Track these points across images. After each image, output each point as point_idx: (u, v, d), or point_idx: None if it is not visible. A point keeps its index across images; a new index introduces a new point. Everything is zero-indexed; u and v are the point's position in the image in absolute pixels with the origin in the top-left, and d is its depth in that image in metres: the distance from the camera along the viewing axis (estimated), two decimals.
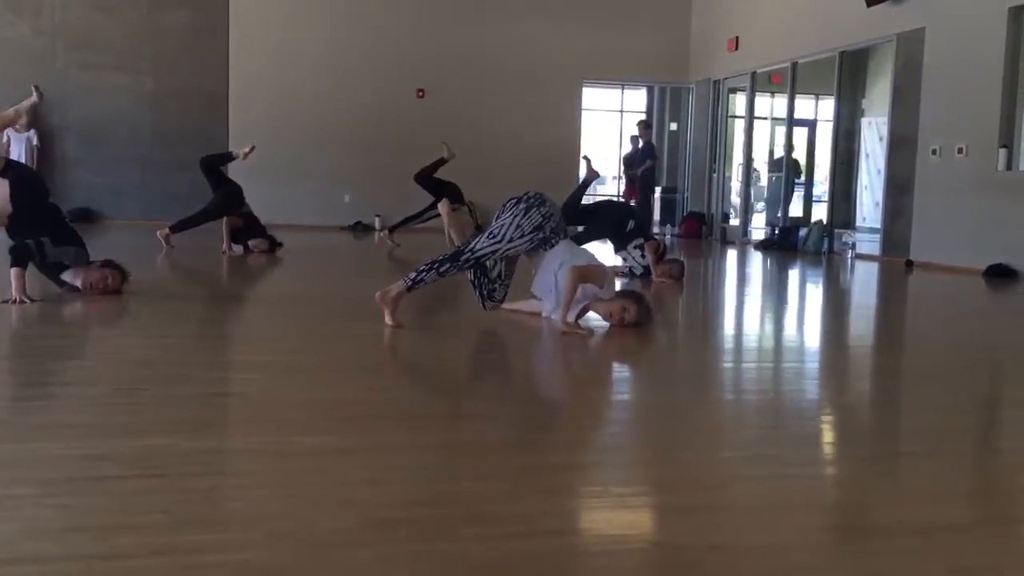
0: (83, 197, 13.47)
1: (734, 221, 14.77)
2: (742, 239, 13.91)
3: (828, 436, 3.13)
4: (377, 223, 14.05)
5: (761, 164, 14.51)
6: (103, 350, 4.23)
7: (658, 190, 15.74)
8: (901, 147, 10.53)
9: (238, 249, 9.03)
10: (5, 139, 12.49)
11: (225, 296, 6.79)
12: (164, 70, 13.78)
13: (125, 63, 13.58)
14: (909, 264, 10.15)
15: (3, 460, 2.45)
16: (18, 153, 12.65)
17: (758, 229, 14.70)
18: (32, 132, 12.98)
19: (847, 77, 12.25)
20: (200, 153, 14.10)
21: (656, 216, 15.64)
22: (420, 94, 14.39)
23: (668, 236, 14.50)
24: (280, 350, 4.27)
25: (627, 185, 15.54)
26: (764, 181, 14.63)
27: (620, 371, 4.26)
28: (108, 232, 11.86)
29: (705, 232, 14.80)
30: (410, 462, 2.53)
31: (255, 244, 9.09)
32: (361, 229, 14.01)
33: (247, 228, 9.15)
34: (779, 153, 13.89)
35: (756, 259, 11.25)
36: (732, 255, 11.85)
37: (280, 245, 9.27)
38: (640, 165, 14.77)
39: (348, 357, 4.11)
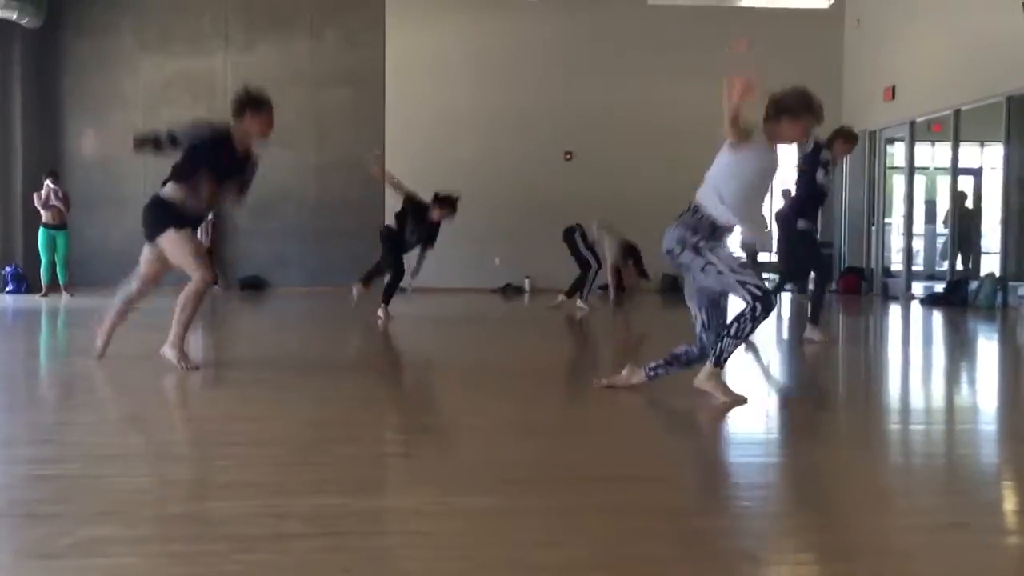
0: (252, 266, 14.26)
1: (896, 268, 14.17)
2: (906, 294, 13.33)
3: (1014, 503, 2.95)
4: (527, 285, 14.24)
5: (920, 215, 13.91)
6: (274, 412, 4.44)
7: None
8: None
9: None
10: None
11: (386, 359, 7.02)
12: (326, 144, 14.53)
13: (291, 139, 14.40)
14: None
15: (197, 517, 2.62)
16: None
17: (924, 283, 14.06)
18: None
19: (1016, 122, 11.67)
20: (357, 221, 14.69)
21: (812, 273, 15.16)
22: (568, 156, 14.61)
23: (826, 293, 14.04)
24: (439, 414, 4.38)
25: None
26: (924, 231, 14.02)
27: (781, 432, 4.15)
28: (276, 299, 12.51)
29: (865, 288, 14.27)
30: (579, 524, 2.54)
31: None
32: (512, 291, 14.22)
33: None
34: (942, 204, 13.30)
35: (923, 315, 10.74)
36: (896, 311, 11.37)
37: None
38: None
39: (515, 418, 4.17)
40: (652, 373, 4.57)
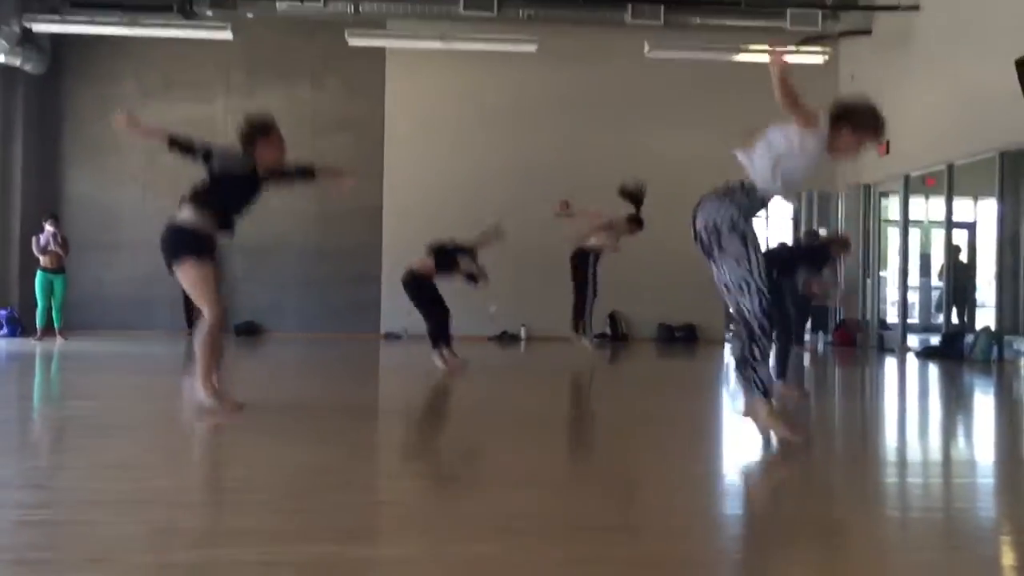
0: (248, 311, 14.25)
1: (892, 321, 14.19)
2: (902, 346, 13.33)
3: (1012, 558, 2.93)
4: (523, 332, 14.23)
5: (915, 268, 13.97)
6: (268, 457, 4.41)
7: None
8: None
9: None
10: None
11: (383, 407, 6.99)
12: (324, 192, 14.58)
13: (291, 186, 14.49)
14: None
15: (187, 564, 2.59)
16: None
17: (919, 335, 14.07)
18: None
19: (1009, 178, 11.78)
20: (355, 267, 14.75)
21: (807, 324, 15.19)
22: (564, 207, 14.68)
23: (821, 345, 14.06)
24: (437, 462, 4.35)
25: None
26: (919, 284, 14.05)
27: (778, 485, 4.12)
28: (272, 345, 12.48)
29: (861, 340, 14.28)
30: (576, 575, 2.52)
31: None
32: (508, 339, 14.21)
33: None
34: (937, 257, 13.36)
35: (919, 368, 10.74)
36: (891, 364, 11.36)
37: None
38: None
39: (514, 467, 4.14)
40: (759, 390, 4.32)
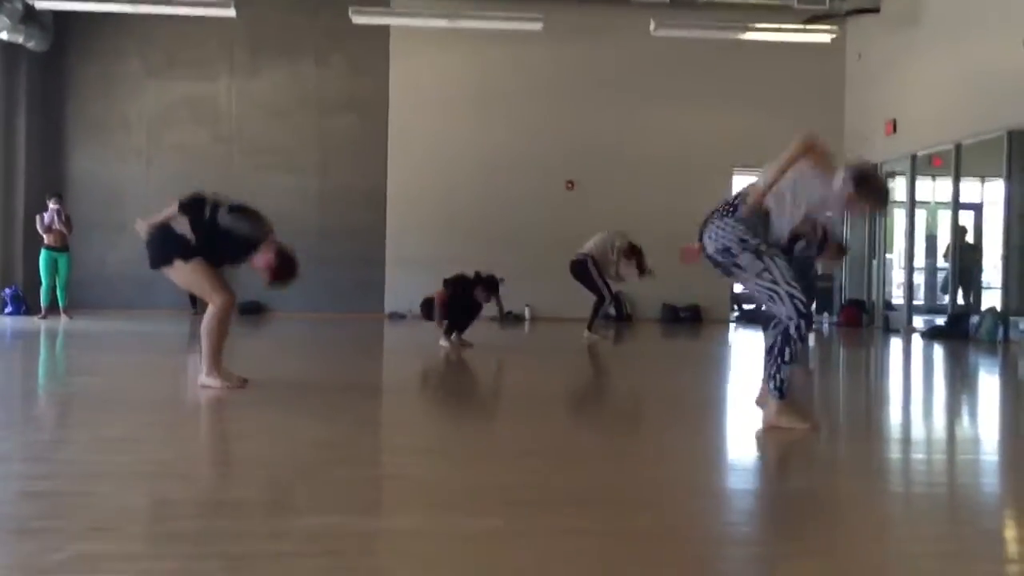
0: (253, 292, 14.21)
1: (898, 302, 14.16)
2: (907, 327, 13.31)
3: (1015, 532, 2.91)
4: (527, 312, 14.22)
5: (920, 249, 13.92)
6: (274, 432, 4.40)
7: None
8: None
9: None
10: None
11: (390, 383, 6.99)
12: (329, 171, 14.57)
13: (294, 165, 14.45)
14: None
15: (192, 534, 2.58)
16: None
17: (925, 317, 14.04)
18: None
19: (1017, 157, 11.71)
20: (359, 248, 14.74)
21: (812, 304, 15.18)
22: (569, 186, 14.65)
23: (825, 325, 14.04)
24: (443, 436, 4.35)
25: None
26: (925, 265, 14.01)
27: (780, 460, 4.11)
28: (276, 324, 12.49)
29: (866, 321, 14.25)
30: (578, 548, 2.51)
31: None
32: (512, 319, 14.20)
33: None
34: (943, 238, 13.30)
35: (924, 348, 10.72)
36: (897, 344, 11.34)
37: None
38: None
39: (518, 442, 4.14)
40: (776, 389, 4.28)
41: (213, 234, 5.24)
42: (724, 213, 4.30)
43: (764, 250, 4.24)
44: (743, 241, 4.23)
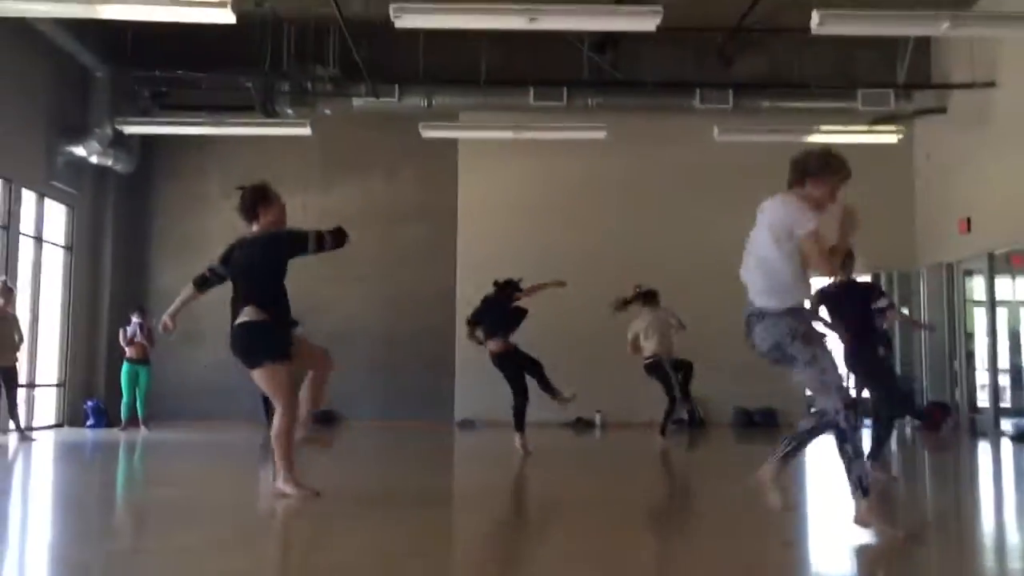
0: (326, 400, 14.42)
1: (983, 404, 13.65)
2: (995, 430, 12.79)
3: None
4: (598, 419, 14.07)
5: (1004, 349, 13.45)
6: (344, 541, 4.37)
7: None
8: None
9: None
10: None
11: (463, 492, 6.93)
12: (399, 278, 14.84)
13: (364, 274, 14.76)
14: None
15: None
16: None
17: (1012, 419, 13.48)
18: None
19: None
20: (430, 354, 14.82)
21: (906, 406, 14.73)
22: (637, 289, 14.64)
23: (909, 428, 13.58)
24: (524, 545, 4.26)
25: None
26: (1009, 366, 13.49)
27: (872, 570, 3.93)
28: (349, 433, 12.56)
29: (950, 424, 13.74)
30: None
31: None
32: (583, 425, 14.05)
33: None
34: None
35: (1016, 452, 10.25)
36: (985, 448, 10.88)
37: None
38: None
39: (592, 554, 4.03)
40: (859, 488, 4.19)
41: (246, 276, 5.50)
42: (761, 312, 4.27)
43: (813, 337, 4.22)
44: (792, 331, 4.20)
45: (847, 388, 4.20)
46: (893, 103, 13.36)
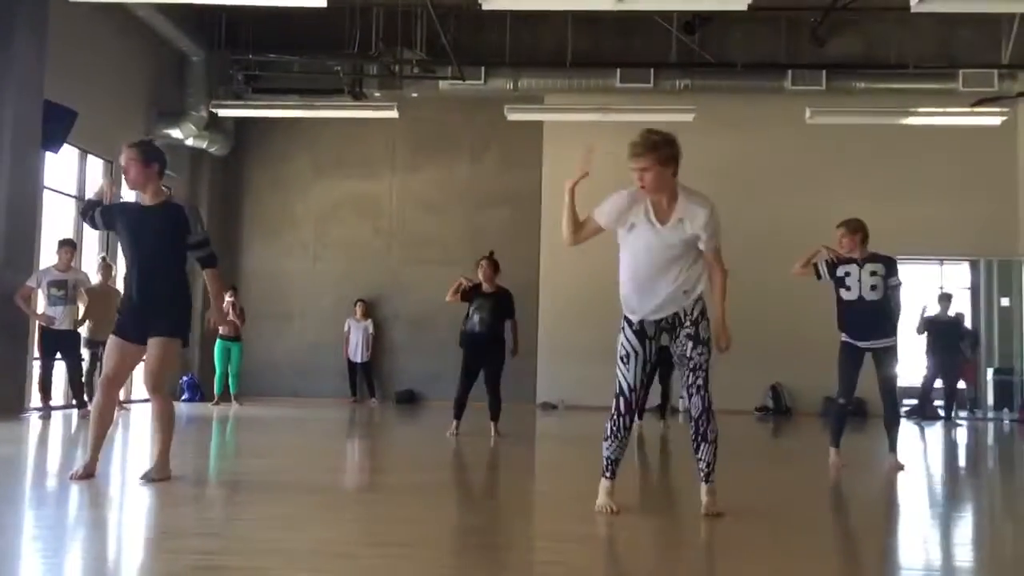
0: (408, 380, 14.61)
1: None
2: None
3: None
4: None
5: None
6: (425, 515, 4.42)
7: (990, 371, 14.37)
8: None
9: None
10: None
11: (542, 468, 6.95)
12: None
13: (449, 257, 14.87)
14: None
15: None
16: (356, 340, 14.10)
17: None
18: (369, 321, 14.40)
19: None
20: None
21: (990, 399, 14.22)
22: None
23: (1006, 421, 13.10)
24: (603, 522, 4.26)
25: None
26: None
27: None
28: (430, 411, 12.70)
29: None
30: None
31: None
32: (671, 412, 13.92)
33: None
34: None
35: None
36: None
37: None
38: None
39: (670, 532, 4.01)
40: None
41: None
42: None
43: None
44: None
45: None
46: (997, 84, 12.85)
